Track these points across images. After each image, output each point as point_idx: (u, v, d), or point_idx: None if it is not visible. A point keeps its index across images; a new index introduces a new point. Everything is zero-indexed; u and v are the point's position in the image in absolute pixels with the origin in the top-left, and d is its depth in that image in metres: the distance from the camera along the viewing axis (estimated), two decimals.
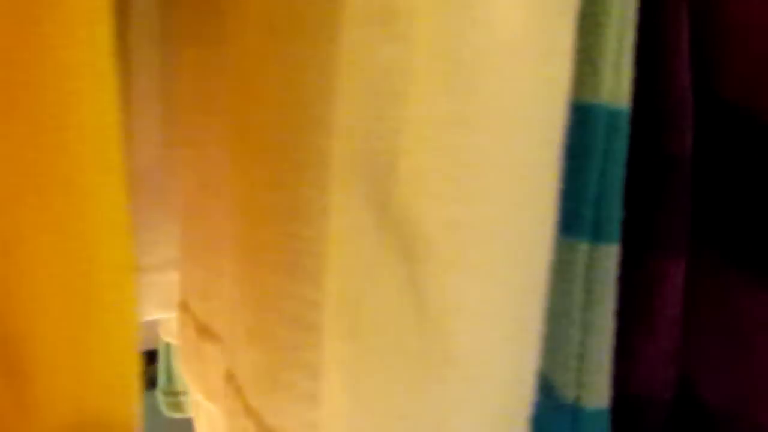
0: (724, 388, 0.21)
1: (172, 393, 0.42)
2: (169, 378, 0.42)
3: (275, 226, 0.26)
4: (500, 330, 0.16)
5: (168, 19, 0.29)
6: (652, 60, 0.20)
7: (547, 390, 0.20)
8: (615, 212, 0.19)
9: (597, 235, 0.18)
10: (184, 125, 0.30)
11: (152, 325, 0.39)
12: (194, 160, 0.29)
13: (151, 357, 0.42)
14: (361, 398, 0.18)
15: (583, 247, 0.19)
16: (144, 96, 0.30)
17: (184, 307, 0.32)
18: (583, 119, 0.18)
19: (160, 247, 0.33)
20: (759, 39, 0.19)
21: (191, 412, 0.37)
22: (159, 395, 0.43)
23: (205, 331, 0.30)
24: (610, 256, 0.19)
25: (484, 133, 0.15)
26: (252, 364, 0.29)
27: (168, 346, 0.42)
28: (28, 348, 0.16)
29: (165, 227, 0.33)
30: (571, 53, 0.17)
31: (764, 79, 0.19)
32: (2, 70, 0.16)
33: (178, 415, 0.42)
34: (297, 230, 0.25)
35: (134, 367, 0.18)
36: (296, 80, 0.23)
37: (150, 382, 0.42)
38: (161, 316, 0.37)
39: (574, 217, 0.18)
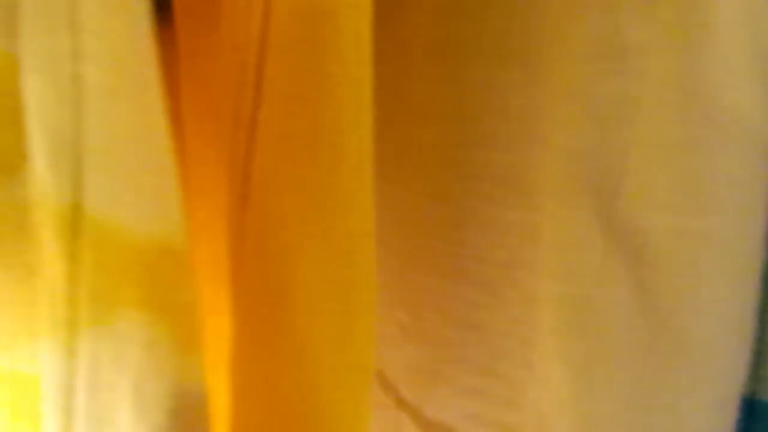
0: None
1: None
2: None
3: (439, 235, 0.28)
4: (726, 324, 0.19)
5: None
6: None
7: None
8: None
9: None
10: None
11: None
12: None
13: None
14: (591, 388, 0.20)
15: None
16: None
17: None
18: None
19: None
20: None
21: None
22: None
23: None
24: None
25: (719, 154, 0.18)
26: (408, 361, 0.31)
27: None
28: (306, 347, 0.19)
29: None
30: None
31: None
32: (292, 104, 0.18)
33: None
34: (462, 238, 0.28)
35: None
36: (470, 100, 0.26)
37: None
38: None
39: None
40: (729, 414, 0.20)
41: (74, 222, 0.14)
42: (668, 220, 0.19)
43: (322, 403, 0.18)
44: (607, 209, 0.19)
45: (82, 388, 0.14)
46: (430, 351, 0.29)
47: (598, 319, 0.20)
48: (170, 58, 0.20)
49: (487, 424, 0.27)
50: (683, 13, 0.18)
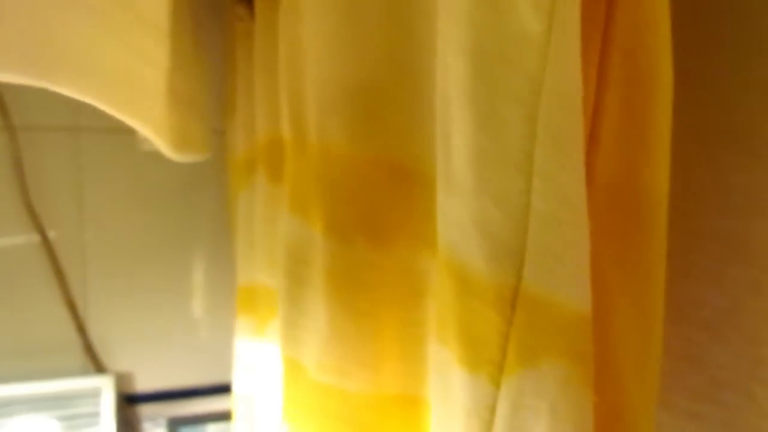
0: None
1: None
2: None
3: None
4: None
5: None
6: None
7: None
8: None
9: None
10: None
11: None
12: None
13: None
14: None
15: None
16: None
17: None
18: None
19: None
20: None
21: None
22: None
23: None
24: None
25: None
26: None
27: None
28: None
29: None
30: None
31: None
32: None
33: None
34: (683, 287, 0.34)
35: None
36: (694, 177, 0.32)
37: None
38: None
39: None
40: None
41: (512, 298, 0.21)
42: None
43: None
44: None
45: (505, 408, 0.21)
46: None
47: None
48: None
49: None
50: None
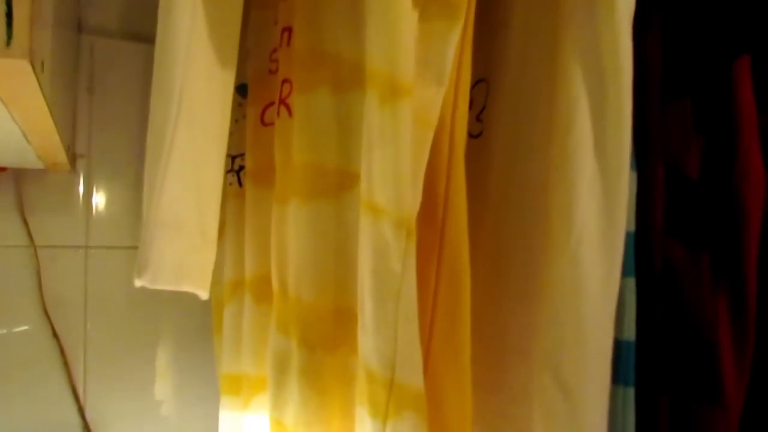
0: None
1: None
2: None
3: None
4: None
5: None
6: None
7: None
8: None
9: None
10: None
11: None
12: None
13: None
14: None
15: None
16: None
17: None
18: None
19: None
20: None
21: None
22: None
23: None
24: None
25: None
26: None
27: None
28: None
29: None
30: None
31: None
32: None
33: None
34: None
35: None
36: None
37: None
38: None
39: None
40: None
41: (390, 387, 0.46)
42: None
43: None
44: None
45: None
46: None
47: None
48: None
49: None
50: None
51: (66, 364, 0.93)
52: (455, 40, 0.48)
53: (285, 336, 0.58)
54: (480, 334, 0.53)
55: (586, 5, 0.50)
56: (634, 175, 0.54)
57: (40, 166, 0.89)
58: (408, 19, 0.47)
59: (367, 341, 0.48)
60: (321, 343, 0.55)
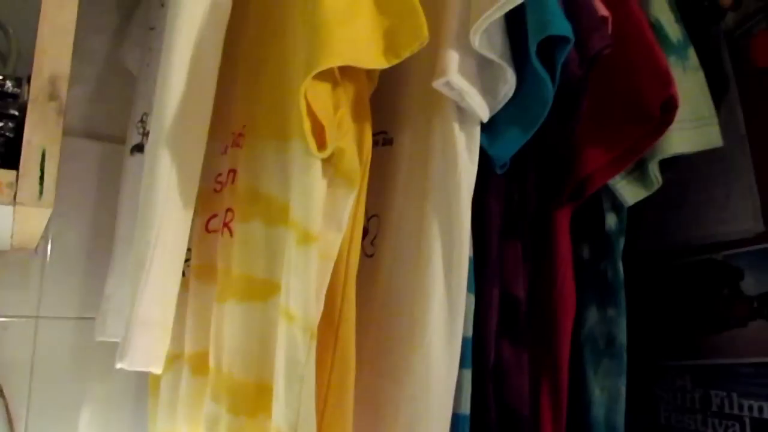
0: None
1: None
2: None
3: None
4: None
5: None
6: None
7: None
8: None
9: None
10: None
11: None
12: None
13: None
14: None
15: None
16: None
17: None
18: None
19: None
20: None
21: None
22: None
23: None
24: None
25: None
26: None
27: None
28: None
29: None
30: None
31: None
32: None
33: None
34: None
35: None
36: None
37: None
38: None
39: None
40: None
41: None
42: None
43: None
44: None
45: None
46: None
47: None
48: None
49: None
50: None
51: (10, 421, 1.07)
52: (352, 200, 0.72)
53: (217, 403, 0.77)
54: (362, 406, 0.74)
55: (442, 179, 0.75)
56: (472, 298, 0.79)
57: (6, 248, 1.06)
58: (319, 186, 0.70)
59: (278, 410, 0.68)
60: (244, 410, 0.74)
